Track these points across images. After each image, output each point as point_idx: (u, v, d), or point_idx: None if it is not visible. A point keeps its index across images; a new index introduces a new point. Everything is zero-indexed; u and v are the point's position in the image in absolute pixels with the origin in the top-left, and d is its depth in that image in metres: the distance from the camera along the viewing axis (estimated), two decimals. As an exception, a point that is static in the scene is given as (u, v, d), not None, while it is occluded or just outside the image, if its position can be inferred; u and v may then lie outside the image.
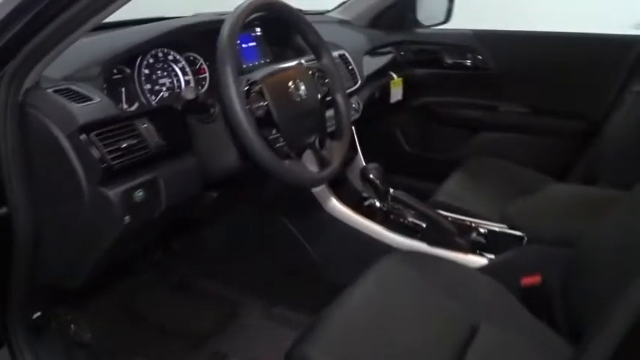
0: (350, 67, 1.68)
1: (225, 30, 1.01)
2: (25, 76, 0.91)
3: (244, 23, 1.04)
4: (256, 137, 0.97)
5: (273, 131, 1.07)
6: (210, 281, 1.69)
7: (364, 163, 1.76)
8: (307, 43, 1.23)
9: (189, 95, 1.03)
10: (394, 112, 2.26)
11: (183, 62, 1.28)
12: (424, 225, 1.44)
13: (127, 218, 0.97)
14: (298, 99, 1.10)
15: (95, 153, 0.92)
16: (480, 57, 2.10)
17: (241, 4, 1.06)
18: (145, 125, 1.03)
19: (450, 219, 1.51)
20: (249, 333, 1.56)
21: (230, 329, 1.57)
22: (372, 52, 1.99)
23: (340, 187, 1.65)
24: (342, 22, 2.16)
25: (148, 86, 1.19)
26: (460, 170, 1.79)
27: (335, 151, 1.20)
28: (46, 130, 0.91)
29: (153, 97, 1.20)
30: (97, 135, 0.93)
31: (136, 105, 1.16)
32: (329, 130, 1.32)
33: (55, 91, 0.94)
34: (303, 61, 1.34)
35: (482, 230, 1.44)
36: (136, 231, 1.04)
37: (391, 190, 1.49)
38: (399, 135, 2.40)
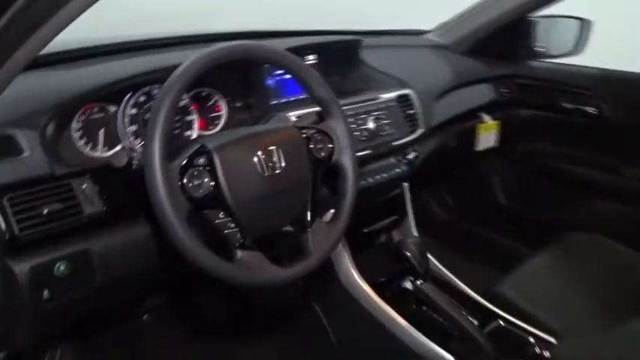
0: (410, 112, 1.37)
1: (167, 85, 0.80)
2: None
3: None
4: (184, 230, 0.76)
5: (221, 214, 0.84)
6: (223, 335, 1.52)
7: (415, 231, 1.43)
8: (312, 96, 0.98)
9: (118, 162, 0.84)
10: (480, 160, 1.89)
11: (187, 100, 1.11)
12: (456, 333, 1.11)
13: (45, 293, 0.85)
14: (268, 172, 0.85)
15: (1, 221, 0.79)
16: (607, 104, 1.64)
17: (208, 49, 0.85)
18: (85, 186, 0.88)
19: (501, 320, 1.18)
20: None
21: None
22: (463, 87, 1.65)
23: (371, 255, 1.36)
24: (436, 46, 1.84)
25: (133, 128, 1.04)
26: (552, 247, 1.40)
27: (323, 237, 0.92)
28: None
29: (138, 141, 1.05)
30: (10, 199, 0.80)
31: (117, 147, 1.03)
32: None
33: None
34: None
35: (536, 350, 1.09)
36: (83, 299, 0.91)
37: (420, 282, 1.17)
38: (496, 184, 2.02)
